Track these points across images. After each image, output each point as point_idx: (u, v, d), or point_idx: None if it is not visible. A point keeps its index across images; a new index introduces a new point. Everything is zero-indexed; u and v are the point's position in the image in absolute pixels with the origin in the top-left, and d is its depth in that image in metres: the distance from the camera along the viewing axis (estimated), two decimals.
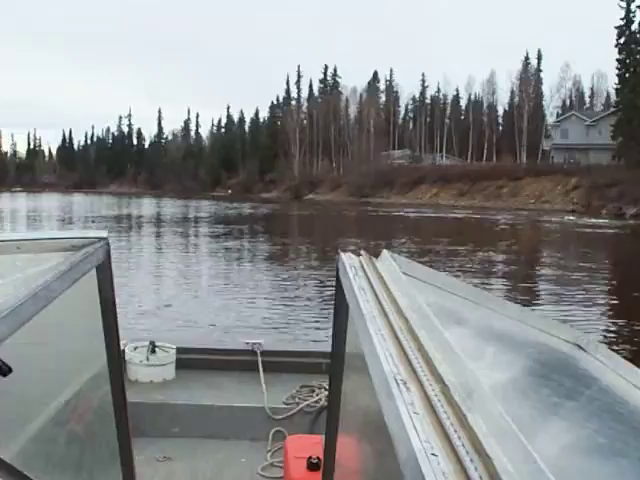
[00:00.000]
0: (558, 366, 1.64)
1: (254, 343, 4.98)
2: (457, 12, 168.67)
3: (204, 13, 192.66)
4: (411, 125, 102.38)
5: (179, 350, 4.89)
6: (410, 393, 0.96)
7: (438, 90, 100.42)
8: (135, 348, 4.83)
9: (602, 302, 15.37)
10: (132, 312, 12.03)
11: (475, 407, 0.93)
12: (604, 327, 12.46)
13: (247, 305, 13.83)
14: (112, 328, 2.07)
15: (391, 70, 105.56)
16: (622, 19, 63.74)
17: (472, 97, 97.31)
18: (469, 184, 70.93)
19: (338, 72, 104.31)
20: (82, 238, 1.92)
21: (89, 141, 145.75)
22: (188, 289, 16.06)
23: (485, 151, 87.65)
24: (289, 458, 3.22)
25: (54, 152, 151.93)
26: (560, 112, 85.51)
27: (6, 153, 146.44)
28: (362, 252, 1.81)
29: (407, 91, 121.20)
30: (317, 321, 11.92)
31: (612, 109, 70.14)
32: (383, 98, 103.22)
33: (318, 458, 2.91)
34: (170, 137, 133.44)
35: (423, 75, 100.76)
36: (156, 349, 4.82)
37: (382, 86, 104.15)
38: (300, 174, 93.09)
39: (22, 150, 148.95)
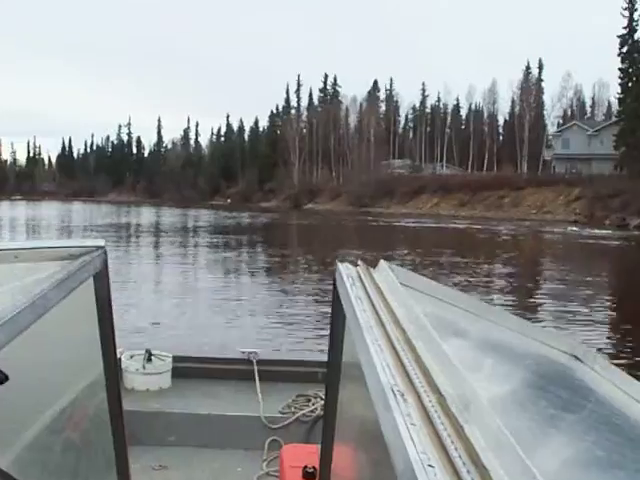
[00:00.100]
0: (555, 378, 1.63)
1: (250, 352, 4.98)
2: (458, 21, 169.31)
3: (204, 23, 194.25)
4: (411, 134, 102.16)
5: (175, 359, 4.91)
6: (407, 404, 0.96)
7: (438, 99, 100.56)
8: (131, 356, 4.83)
9: (606, 316, 15.24)
10: (121, 326, 11.77)
11: (472, 419, 0.93)
12: (608, 341, 12.40)
13: (244, 319, 13.58)
14: (109, 336, 2.07)
15: (391, 79, 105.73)
16: (625, 28, 63.85)
17: (473, 106, 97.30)
18: (470, 194, 70.73)
19: (338, 81, 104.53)
20: (80, 247, 1.92)
21: (89, 149, 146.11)
22: (182, 303, 15.50)
23: (486, 161, 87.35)
24: (285, 467, 3.21)
25: (54, 160, 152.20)
26: (561, 122, 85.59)
27: (6, 161, 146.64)
28: (359, 262, 1.82)
29: (407, 100, 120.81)
30: (315, 337, 11.68)
31: (614, 119, 70.07)
32: (383, 107, 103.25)
33: (314, 467, 2.90)
34: (169, 146, 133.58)
35: (423, 84, 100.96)
36: (152, 357, 4.82)
37: (382, 95, 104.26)
38: (300, 183, 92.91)
39: (22, 158, 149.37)
